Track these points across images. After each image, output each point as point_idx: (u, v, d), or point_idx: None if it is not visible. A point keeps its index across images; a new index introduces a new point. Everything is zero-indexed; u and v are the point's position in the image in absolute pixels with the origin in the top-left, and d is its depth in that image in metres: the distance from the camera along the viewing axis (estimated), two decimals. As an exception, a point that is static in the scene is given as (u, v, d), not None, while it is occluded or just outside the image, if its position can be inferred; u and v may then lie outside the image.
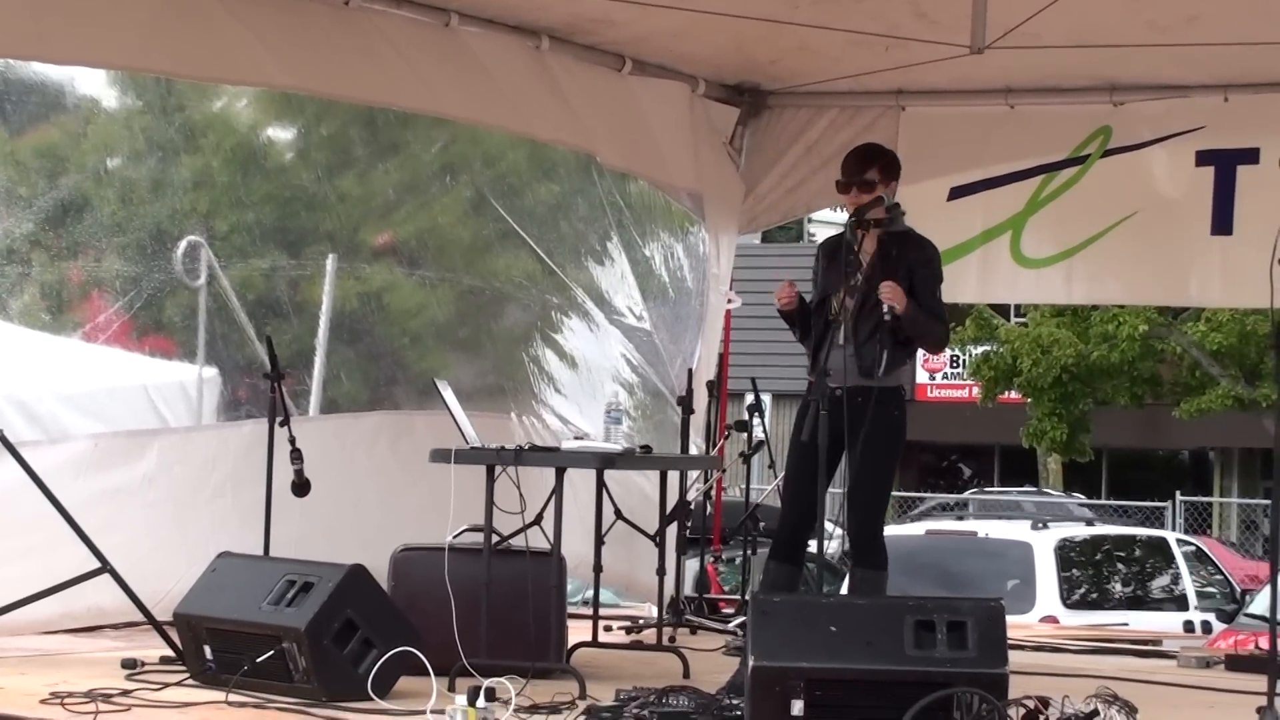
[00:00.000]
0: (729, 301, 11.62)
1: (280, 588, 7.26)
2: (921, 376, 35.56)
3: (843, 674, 6.41)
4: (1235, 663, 9.40)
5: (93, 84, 10.35)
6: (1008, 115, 11.21)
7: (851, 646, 6.45)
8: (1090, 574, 17.28)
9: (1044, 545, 16.62)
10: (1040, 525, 17.34)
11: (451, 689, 7.24)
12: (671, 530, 9.58)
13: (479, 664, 7.42)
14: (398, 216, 11.48)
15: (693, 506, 10.66)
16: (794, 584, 8.44)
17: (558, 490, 7.87)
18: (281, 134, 11.64)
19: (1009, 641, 6.60)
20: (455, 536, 7.91)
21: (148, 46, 8.44)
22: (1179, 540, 19.28)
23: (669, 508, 9.31)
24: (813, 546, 8.37)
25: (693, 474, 10.40)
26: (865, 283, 8.45)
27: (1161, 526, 26.60)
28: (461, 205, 11.47)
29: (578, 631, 8.55)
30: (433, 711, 6.78)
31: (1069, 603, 16.25)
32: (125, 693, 7.09)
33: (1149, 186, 11.04)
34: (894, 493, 29.71)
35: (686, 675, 8.05)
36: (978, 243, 11.41)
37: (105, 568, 7.87)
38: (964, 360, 33.40)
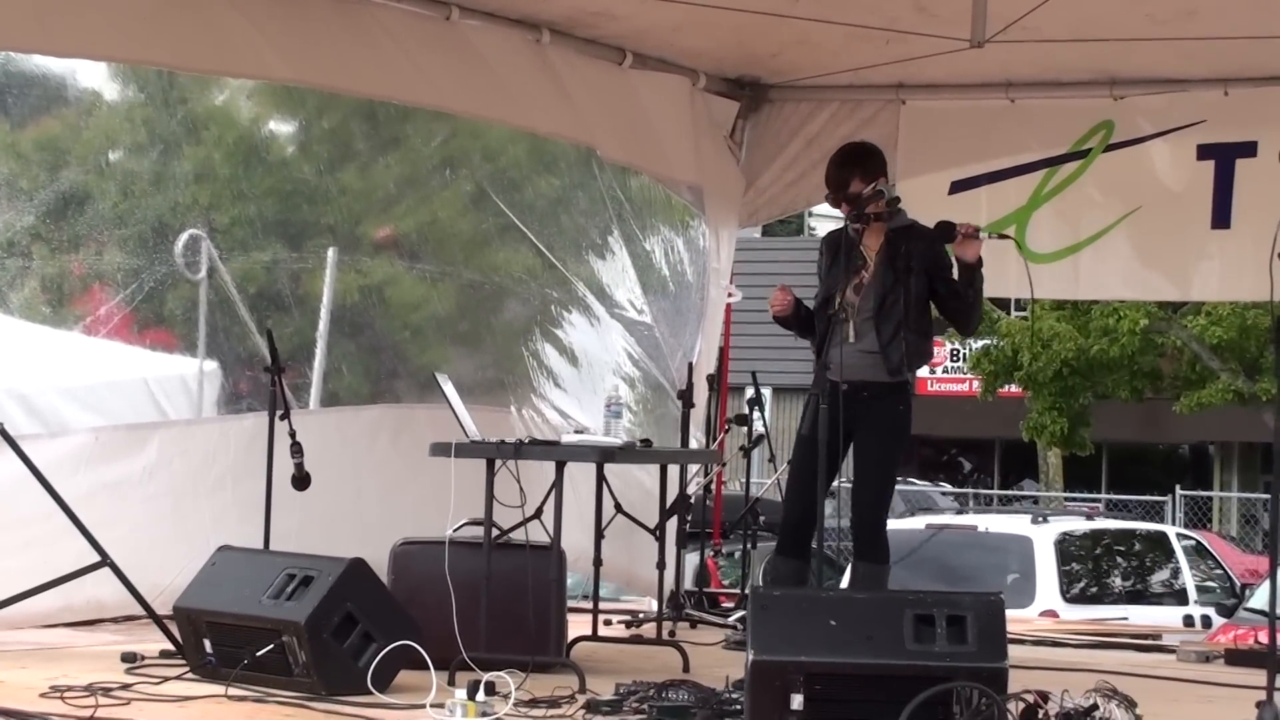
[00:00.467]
0: (729, 295, 11.62)
1: (280, 581, 7.26)
2: (922, 370, 35.50)
3: (842, 668, 6.41)
4: (1235, 657, 9.41)
5: (94, 77, 10.36)
6: (1008, 109, 11.21)
7: (851, 641, 6.45)
8: (1090, 568, 17.28)
9: (1044, 539, 16.63)
10: (1040, 519, 17.35)
11: (451, 683, 7.25)
12: (671, 524, 9.58)
13: (479, 658, 7.42)
14: (398, 210, 11.49)
15: (693, 500, 10.66)
16: (801, 578, 8.43)
17: (558, 484, 7.88)
18: (283, 127, 11.66)
19: (1009, 636, 6.60)
20: (455, 530, 7.91)
21: (149, 39, 8.43)
22: (1179, 535, 19.29)
23: (669, 502, 9.31)
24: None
25: (693, 468, 10.40)
26: (879, 282, 8.43)
27: (1161, 521, 26.61)
28: (462, 199, 11.48)
29: (577, 625, 8.55)
30: (432, 705, 6.78)
31: (1069, 597, 16.26)
32: (125, 686, 7.08)
33: (1152, 181, 11.04)
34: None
35: (686, 669, 8.05)
36: (981, 237, 11.40)
37: (105, 561, 7.87)
38: (964, 354, 33.40)
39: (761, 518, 11.57)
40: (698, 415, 10.90)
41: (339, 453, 9.68)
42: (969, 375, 33.41)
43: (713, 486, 11.84)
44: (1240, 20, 9.64)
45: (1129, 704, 6.75)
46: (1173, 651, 10.07)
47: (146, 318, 10.71)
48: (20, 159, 10.35)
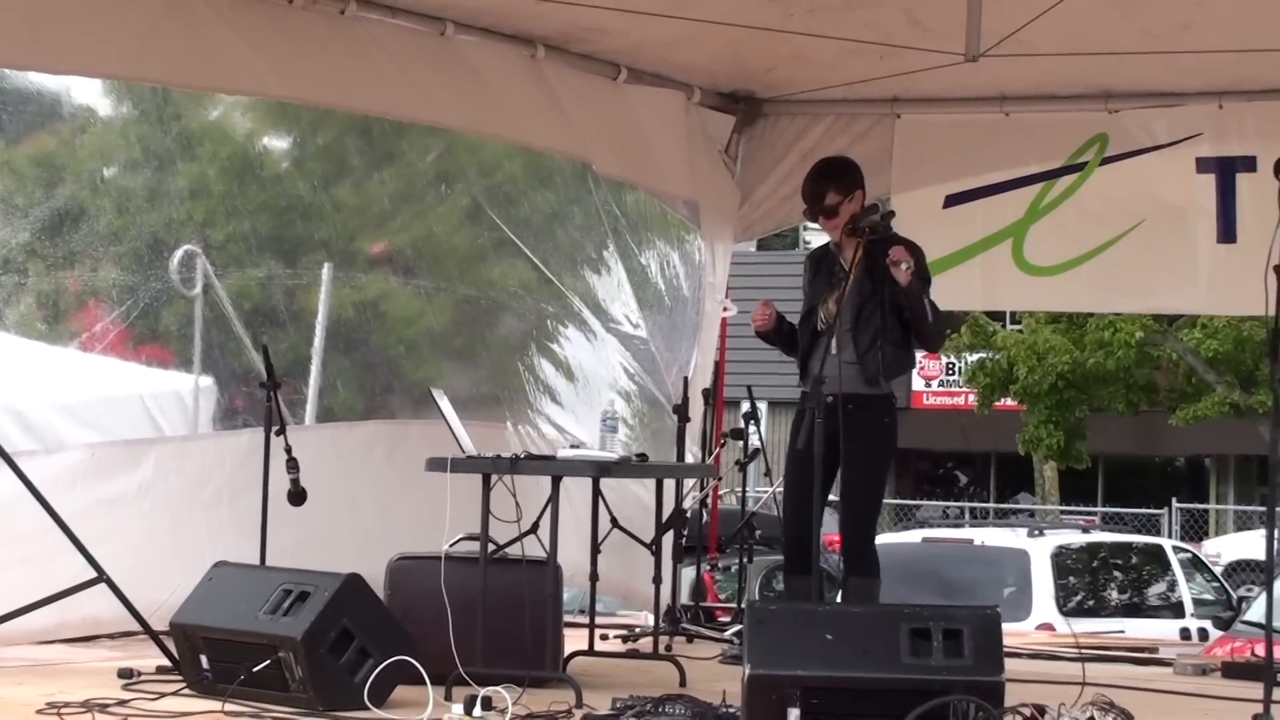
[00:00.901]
0: (724, 310, 11.63)
1: (276, 597, 7.26)
2: (917, 384, 35.56)
3: (839, 682, 6.42)
4: (1231, 670, 9.41)
5: (89, 93, 10.35)
6: (1003, 123, 11.22)
7: (848, 654, 6.45)
8: (1086, 581, 17.27)
9: (1040, 552, 16.61)
10: (1036, 533, 17.34)
11: (448, 698, 7.25)
12: (668, 538, 9.58)
13: (475, 673, 7.42)
14: (394, 225, 11.49)
15: (689, 515, 10.66)
16: (817, 591, 8.41)
17: (554, 499, 7.88)
18: (277, 143, 11.65)
19: (1005, 649, 6.60)
20: (451, 545, 7.91)
21: (144, 56, 8.44)
22: (1175, 547, 19.28)
23: (665, 516, 9.30)
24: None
25: (689, 482, 10.40)
26: (856, 293, 8.45)
27: (1157, 534, 26.61)
28: (457, 214, 11.48)
29: (574, 640, 8.54)
30: (429, 720, 6.78)
31: (1065, 610, 16.24)
32: (122, 702, 7.08)
33: (1153, 194, 11.04)
34: (889, 500, 29.79)
35: (683, 684, 8.05)
36: (977, 250, 11.40)
37: (101, 577, 7.86)
38: (960, 367, 33.41)
39: (758, 532, 11.56)
40: (693, 429, 10.90)
41: (335, 468, 9.67)
42: (965, 389, 33.42)
43: (709, 501, 11.83)
44: (1234, 34, 9.65)
45: (1126, 717, 6.76)
46: (1169, 664, 10.06)
47: (142, 334, 10.70)
48: (15, 175, 10.35)
